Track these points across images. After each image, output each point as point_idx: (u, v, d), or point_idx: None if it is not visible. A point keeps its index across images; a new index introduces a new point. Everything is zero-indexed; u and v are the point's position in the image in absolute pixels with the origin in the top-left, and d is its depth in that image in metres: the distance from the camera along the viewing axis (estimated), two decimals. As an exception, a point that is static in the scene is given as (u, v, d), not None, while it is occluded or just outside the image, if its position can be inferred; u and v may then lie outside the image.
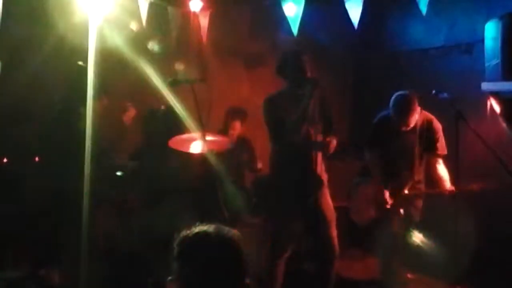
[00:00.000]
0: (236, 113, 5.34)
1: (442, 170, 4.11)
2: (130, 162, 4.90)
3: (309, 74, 3.87)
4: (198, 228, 1.86)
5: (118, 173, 4.61)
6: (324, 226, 3.94)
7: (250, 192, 5.05)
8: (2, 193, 4.25)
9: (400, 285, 4.41)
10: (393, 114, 4.07)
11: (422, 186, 4.22)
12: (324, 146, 3.89)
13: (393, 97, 4.08)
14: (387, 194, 4.12)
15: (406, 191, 4.14)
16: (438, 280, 4.48)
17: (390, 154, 4.16)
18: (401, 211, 4.10)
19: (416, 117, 4.02)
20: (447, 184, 4.06)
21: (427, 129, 4.12)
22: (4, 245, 4.13)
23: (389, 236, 4.17)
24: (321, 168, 3.97)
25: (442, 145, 4.12)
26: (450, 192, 3.92)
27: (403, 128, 4.07)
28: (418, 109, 4.02)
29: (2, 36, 3.86)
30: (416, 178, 4.17)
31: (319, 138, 3.99)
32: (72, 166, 3.35)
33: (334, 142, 3.91)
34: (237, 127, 5.32)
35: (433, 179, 4.16)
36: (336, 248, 3.96)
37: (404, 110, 3.99)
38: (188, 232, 1.86)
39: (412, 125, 4.04)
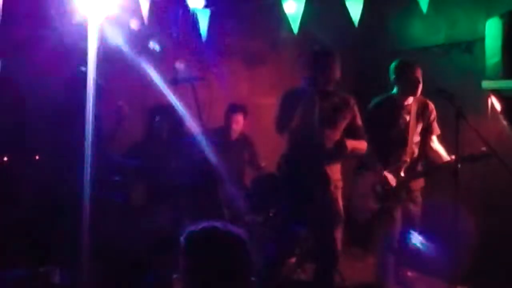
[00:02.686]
0: (238, 107, 5.37)
1: (437, 145, 4.21)
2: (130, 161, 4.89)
3: (325, 75, 3.86)
4: (205, 224, 1.86)
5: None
6: (328, 228, 3.91)
7: (250, 191, 5.04)
8: (2, 192, 4.25)
9: (397, 284, 4.40)
10: (400, 83, 4.11)
11: (419, 168, 4.24)
12: (336, 151, 3.86)
13: (393, 66, 4.15)
14: (388, 175, 4.10)
15: (402, 174, 4.14)
16: (438, 279, 4.48)
17: (386, 139, 4.16)
18: (403, 194, 4.11)
19: (419, 80, 4.07)
20: (445, 156, 4.11)
21: (422, 111, 4.20)
22: (4, 244, 4.13)
23: (385, 233, 4.16)
24: (331, 169, 3.92)
25: (436, 126, 4.24)
26: (450, 162, 3.93)
27: (409, 97, 4.10)
28: (419, 71, 4.09)
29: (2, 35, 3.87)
30: (412, 160, 4.19)
31: (333, 137, 3.93)
32: (74, 165, 3.36)
33: (351, 144, 3.89)
34: (239, 121, 5.34)
35: (429, 155, 4.23)
36: (337, 252, 3.94)
37: (405, 69, 4.08)
38: (195, 227, 1.85)
39: (418, 90, 4.08)
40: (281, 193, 4.06)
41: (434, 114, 4.24)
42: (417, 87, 4.07)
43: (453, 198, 3.66)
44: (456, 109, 3.64)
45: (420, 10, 4.29)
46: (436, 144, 4.23)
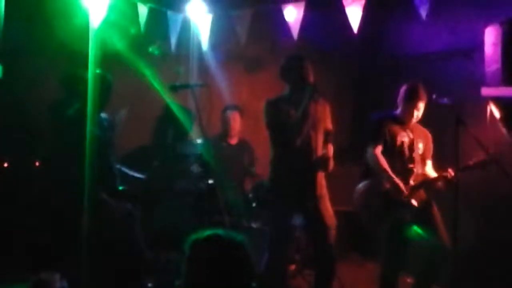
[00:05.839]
0: (232, 106, 5.44)
1: (429, 169, 4.19)
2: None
3: (310, 79, 3.90)
4: (209, 232, 1.89)
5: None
6: (323, 233, 3.92)
7: (250, 196, 5.04)
8: (3, 196, 4.25)
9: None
10: (403, 104, 4.09)
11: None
12: (322, 163, 3.90)
13: (404, 88, 4.12)
14: (401, 184, 3.97)
15: (412, 182, 4.03)
16: (438, 285, 4.48)
17: (392, 152, 4.07)
18: (414, 202, 3.98)
19: (422, 107, 4.06)
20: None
21: (422, 134, 4.18)
22: (4, 250, 4.12)
23: (396, 243, 4.03)
24: (321, 174, 3.97)
25: (430, 153, 4.22)
26: (447, 175, 3.92)
27: (412, 120, 4.09)
28: (425, 98, 4.04)
29: (3, 40, 3.88)
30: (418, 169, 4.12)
31: (320, 142, 4.00)
32: (77, 169, 3.37)
33: (331, 158, 3.94)
34: (236, 118, 5.37)
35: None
36: (334, 256, 3.95)
37: (413, 96, 4.03)
38: (199, 235, 1.88)
39: (419, 116, 4.08)
40: (275, 198, 4.06)
41: (431, 143, 4.22)
42: (419, 113, 4.09)
43: (453, 204, 3.67)
44: (456, 116, 3.65)
45: (420, 17, 4.32)
46: (428, 167, 4.19)
